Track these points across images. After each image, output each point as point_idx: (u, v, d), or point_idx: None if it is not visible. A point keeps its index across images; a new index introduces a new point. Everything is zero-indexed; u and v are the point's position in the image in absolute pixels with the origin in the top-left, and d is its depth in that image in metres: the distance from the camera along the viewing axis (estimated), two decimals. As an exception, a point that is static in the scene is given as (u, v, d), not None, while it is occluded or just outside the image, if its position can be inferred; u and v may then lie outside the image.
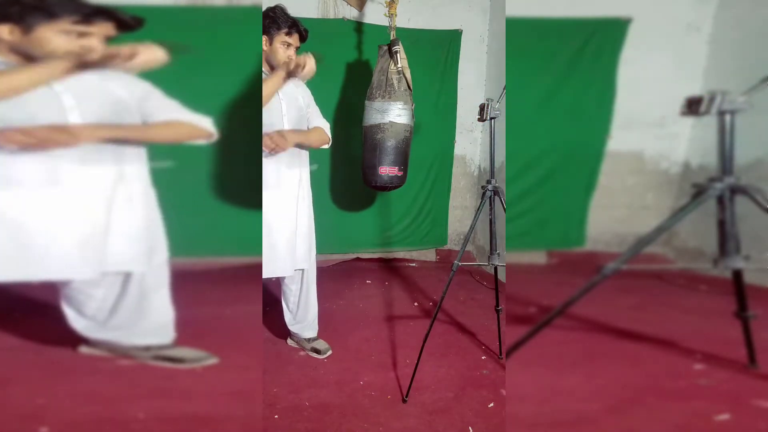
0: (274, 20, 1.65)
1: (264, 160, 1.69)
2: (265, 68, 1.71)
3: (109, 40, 1.23)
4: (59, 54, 1.17)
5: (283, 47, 1.67)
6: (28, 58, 1.19)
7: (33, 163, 1.19)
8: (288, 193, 1.76)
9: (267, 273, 1.74)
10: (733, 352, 1.69)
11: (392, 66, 2.26)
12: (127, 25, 1.21)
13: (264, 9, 1.69)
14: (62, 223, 1.25)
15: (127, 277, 1.41)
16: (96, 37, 1.19)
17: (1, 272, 1.22)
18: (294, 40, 1.69)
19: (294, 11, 1.71)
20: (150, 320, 1.49)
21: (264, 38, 1.67)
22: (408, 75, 2.28)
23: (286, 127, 1.72)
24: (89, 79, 1.27)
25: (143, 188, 1.41)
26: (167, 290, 1.50)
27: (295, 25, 1.67)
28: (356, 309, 2.52)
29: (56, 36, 1.15)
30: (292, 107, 1.75)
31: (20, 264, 1.23)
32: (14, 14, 1.13)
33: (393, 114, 2.28)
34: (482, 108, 1.63)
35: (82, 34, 1.17)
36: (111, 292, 1.41)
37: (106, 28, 1.19)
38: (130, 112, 1.33)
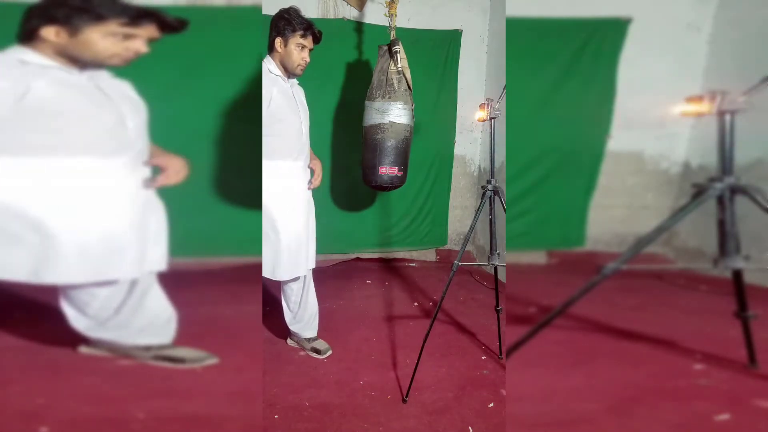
0: (289, 22, 1.65)
1: (287, 161, 1.72)
2: (279, 70, 1.72)
3: (152, 41, 1.23)
4: (105, 56, 1.18)
5: (297, 49, 1.67)
6: (74, 60, 1.19)
7: (75, 163, 1.22)
8: (301, 193, 1.79)
9: (287, 274, 1.76)
10: (733, 352, 1.69)
11: (392, 66, 2.26)
12: (171, 26, 1.21)
13: (278, 11, 1.68)
14: (108, 223, 1.28)
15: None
16: (141, 38, 1.19)
17: (56, 274, 1.25)
18: (308, 42, 1.69)
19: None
20: (152, 319, 1.50)
21: (278, 40, 1.67)
22: (408, 75, 2.28)
23: (304, 131, 1.77)
24: (120, 87, 1.32)
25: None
26: (160, 289, 1.51)
27: (309, 27, 1.67)
28: (356, 309, 2.52)
29: (102, 38, 1.15)
30: (304, 112, 1.80)
31: (73, 266, 1.25)
32: (61, 16, 1.12)
33: (393, 114, 2.28)
34: (482, 107, 1.63)
35: (127, 36, 1.17)
36: (117, 291, 1.41)
37: (150, 30, 1.19)
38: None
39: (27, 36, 1.16)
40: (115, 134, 1.24)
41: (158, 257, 1.43)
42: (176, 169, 1.40)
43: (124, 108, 1.27)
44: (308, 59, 1.72)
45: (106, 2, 1.13)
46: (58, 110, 1.15)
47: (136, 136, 1.31)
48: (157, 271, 1.44)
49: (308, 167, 1.88)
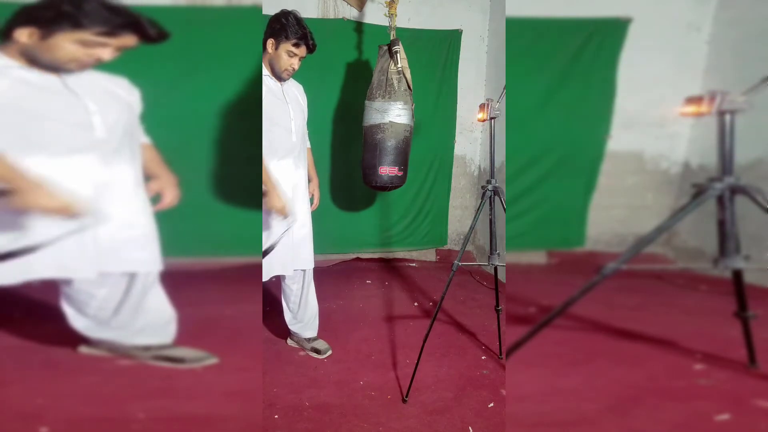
0: (284, 28, 1.61)
1: (273, 161, 1.70)
2: (266, 70, 1.70)
3: (127, 49, 1.21)
4: (64, 60, 1.16)
5: (287, 55, 1.65)
6: (33, 62, 1.18)
7: (55, 163, 1.20)
8: (294, 191, 1.77)
9: (270, 272, 1.74)
10: (733, 352, 1.69)
11: (392, 66, 2.26)
12: (151, 38, 1.19)
13: (279, 11, 1.65)
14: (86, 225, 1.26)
15: (131, 276, 1.41)
16: (110, 47, 1.17)
17: (29, 271, 1.24)
18: (300, 51, 1.66)
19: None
20: (151, 319, 1.49)
21: (270, 41, 1.64)
22: (408, 75, 2.28)
23: (293, 131, 1.73)
24: (103, 84, 1.31)
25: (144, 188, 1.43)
26: (161, 289, 1.51)
27: (304, 38, 1.63)
28: (356, 309, 2.52)
29: (70, 44, 1.13)
30: (297, 110, 1.76)
31: (44, 263, 1.24)
32: (44, 19, 1.11)
33: (393, 114, 2.28)
34: (482, 108, 1.63)
35: (97, 44, 1.15)
36: (114, 291, 1.41)
37: (126, 40, 1.17)
38: (135, 119, 1.38)
39: (2, 35, 1.16)
40: (77, 133, 1.21)
41: (145, 258, 1.40)
42: (173, 195, 1.47)
43: (94, 106, 1.24)
44: (297, 67, 1.69)
45: (95, 11, 1.11)
46: (14, 108, 1.13)
47: (110, 133, 1.27)
48: (143, 271, 1.41)
49: (305, 168, 1.86)
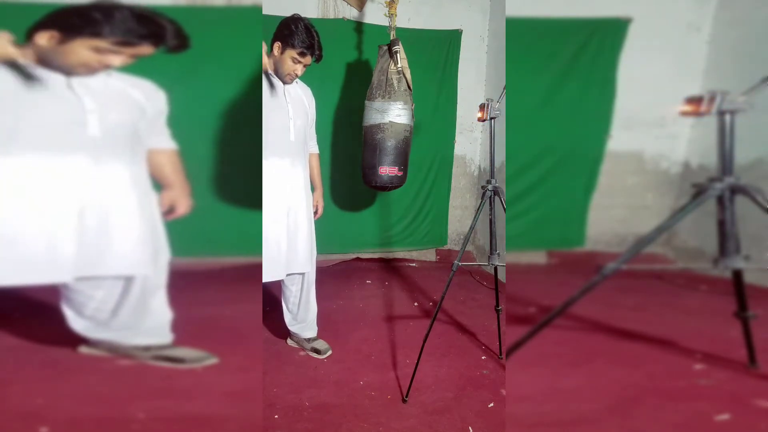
0: (293, 35, 1.60)
1: (270, 160, 1.69)
2: (270, 69, 1.70)
3: (141, 56, 1.20)
4: (74, 65, 1.16)
5: (291, 61, 1.64)
6: (44, 63, 1.17)
7: (44, 159, 1.20)
8: (291, 193, 1.76)
9: (269, 276, 1.73)
10: (733, 352, 1.70)
11: (392, 66, 2.26)
12: (170, 49, 1.18)
13: (291, 15, 1.64)
14: (71, 223, 1.25)
15: (129, 278, 1.40)
16: (124, 55, 1.16)
17: (17, 275, 1.22)
18: (306, 59, 1.65)
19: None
20: (150, 321, 1.49)
21: (277, 44, 1.63)
22: (408, 75, 2.28)
23: (292, 131, 1.72)
24: (113, 83, 1.30)
25: (148, 190, 1.42)
26: (164, 291, 1.50)
27: (310, 48, 1.62)
28: (356, 309, 2.52)
29: (85, 50, 1.13)
30: (299, 110, 1.75)
31: (26, 267, 1.23)
32: (69, 24, 1.10)
33: (393, 114, 2.28)
34: (482, 108, 1.63)
35: (111, 51, 1.15)
36: (112, 293, 1.41)
37: (144, 49, 1.16)
38: (145, 122, 1.37)
39: (26, 36, 1.16)
40: (68, 130, 1.20)
41: (135, 260, 1.37)
42: (185, 206, 1.51)
43: (91, 104, 1.22)
44: (300, 73, 1.68)
45: (123, 21, 1.10)
46: (6, 103, 1.13)
47: (106, 133, 1.25)
48: (137, 273, 1.38)
49: (304, 168, 1.85)
